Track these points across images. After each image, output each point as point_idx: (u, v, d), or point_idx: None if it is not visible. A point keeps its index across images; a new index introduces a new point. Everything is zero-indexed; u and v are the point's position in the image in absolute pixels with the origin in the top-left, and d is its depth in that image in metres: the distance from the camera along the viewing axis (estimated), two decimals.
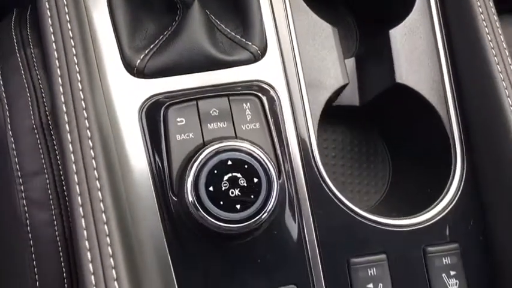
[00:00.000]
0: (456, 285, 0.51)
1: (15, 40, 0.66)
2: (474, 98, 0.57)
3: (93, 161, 0.43)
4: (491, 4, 0.57)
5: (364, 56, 0.66)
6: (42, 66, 0.63)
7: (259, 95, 0.50)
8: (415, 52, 0.59)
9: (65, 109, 0.45)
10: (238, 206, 0.43)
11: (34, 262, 0.58)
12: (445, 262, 0.51)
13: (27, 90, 0.63)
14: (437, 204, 0.54)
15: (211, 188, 0.43)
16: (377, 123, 0.69)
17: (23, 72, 0.64)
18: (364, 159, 0.69)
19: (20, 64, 0.64)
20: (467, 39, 0.57)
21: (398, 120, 0.65)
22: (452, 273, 0.51)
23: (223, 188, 0.43)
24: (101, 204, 0.42)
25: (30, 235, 0.58)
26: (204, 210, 0.42)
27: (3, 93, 0.64)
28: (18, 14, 0.69)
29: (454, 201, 0.54)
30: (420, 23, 0.59)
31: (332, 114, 0.67)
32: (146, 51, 0.50)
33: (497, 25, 0.56)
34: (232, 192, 0.43)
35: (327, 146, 0.70)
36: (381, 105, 0.63)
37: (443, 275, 0.51)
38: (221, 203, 0.42)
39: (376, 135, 0.69)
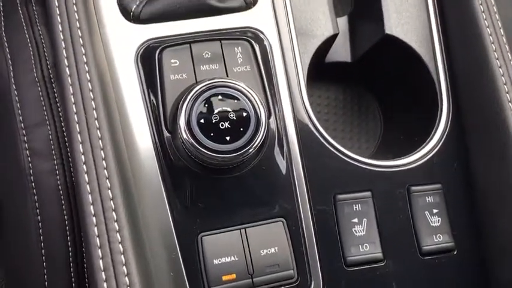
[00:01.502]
0: (438, 222, 0.53)
1: None
2: (461, 49, 0.58)
3: (93, 102, 0.45)
4: None
5: (356, 13, 0.68)
6: (43, 23, 0.65)
7: (251, 40, 0.51)
8: (404, 5, 0.60)
9: (65, 54, 0.47)
10: (228, 138, 0.45)
11: (37, 210, 0.61)
12: (428, 201, 0.53)
13: (30, 45, 0.65)
14: (423, 147, 0.56)
15: (202, 121, 0.45)
16: (368, 77, 0.70)
17: (25, 28, 0.66)
18: (357, 113, 0.71)
19: (23, 20, 0.66)
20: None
21: (388, 72, 0.67)
22: (435, 211, 0.53)
23: (214, 121, 0.45)
24: (100, 142, 0.44)
25: (33, 184, 0.61)
26: (196, 142, 0.44)
27: (7, 49, 0.66)
28: None
29: (439, 145, 0.56)
30: None
31: (325, 72, 0.69)
32: None
33: None
34: (222, 125, 0.45)
35: (321, 102, 0.72)
36: (372, 59, 0.65)
37: (426, 212, 0.53)
38: (212, 134, 0.44)
39: (367, 90, 0.71)
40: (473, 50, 0.56)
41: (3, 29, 0.68)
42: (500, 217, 0.52)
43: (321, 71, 0.66)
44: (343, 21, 0.68)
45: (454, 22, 0.59)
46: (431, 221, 0.53)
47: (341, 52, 0.67)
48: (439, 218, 0.53)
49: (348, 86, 0.72)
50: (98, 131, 0.45)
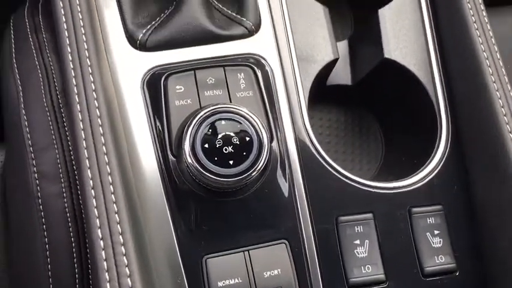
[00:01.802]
0: (440, 243, 0.53)
1: (28, 26, 0.71)
2: (459, 72, 0.60)
3: (100, 128, 0.46)
4: None
5: (356, 37, 0.69)
6: (53, 50, 0.68)
7: (253, 66, 0.53)
8: (403, 30, 0.62)
9: (75, 82, 0.48)
10: (231, 162, 0.46)
11: (45, 232, 0.62)
12: (429, 222, 0.54)
13: (39, 71, 0.67)
14: (423, 169, 0.57)
15: (206, 145, 0.46)
16: (369, 100, 0.72)
17: (35, 55, 0.68)
18: (358, 135, 0.72)
19: (33, 48, 0.69)
20: (453, 18, 0.60)
21: (388, 95, 0.68)
22: (436, 232, 0.54)
23: (218, 145, 0.46)
24: (107, 167, 0.45)
25: (41, 206, 0.62)
26: (200, 166, 0.46)
27: (17, 75, 0.69)
28: (30, 3, 0.74)
29: (439, 167, 0.57)
30: (407, 3, 0.63)
31: (327, 95, 0.70)
32: (148, 27, 0.54)
33: (482, 7, 0.59)
34: (225, 149, 0.46)
35: (322, 124, 0.73)
36: (372, 82, 0.66)
37: (428, 233, 0.53)
38: (215, 158, 0.46)
39: (368, 112, 0.73)
40: (471, 74, 0.58)
41: (14, 55, 0.71)
42: (500, 240, 0.53)
43: (323, 93, 0.67)
44: (343, 45, 0.70)
45: (451, 46, 0.61)
46: (433, 242, 0.53)
47: (342, 75, 0.69)
48: (441, 239, 0.54)
49: (349, 108, 0.73)
50: (106, 156, 0.46)
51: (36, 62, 0.68)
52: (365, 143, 0.72)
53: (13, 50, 0.71)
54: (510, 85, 0.56)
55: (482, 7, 0.60)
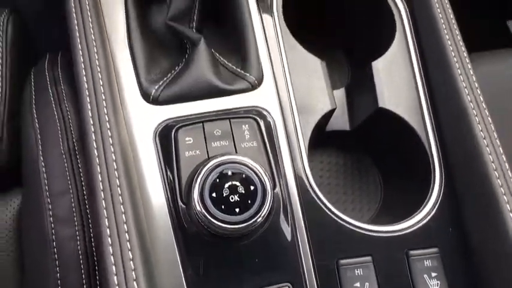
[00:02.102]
0: (437, 285, 0.56)
1: (48, 78, 0.76)
2: (449, 122, 0.64)
3: (117, 180, 0.50)
4: (461, 42, 0.65)
5: (353, 86, 0.74)
6: (70, 100, 0.73)
7: (257, 118, 0.57)
8: (395, 81, 0.67)
9: (94, 137, 0.53)
10: (237, 210, 0.49)
11: (58, 274, 0.65)
12: (426, 264, 0.56)
13: (57, 120, 0.72)
14: (419, 213, 0.60)
15: (214, 195, 0.50)
16: (367, 145, 0.76)
17: (54, 105, 0.74)
18: (357, 178, 0.76)
19: (52, 99, 0.74)
20: (441, 71, 0.65)
21: (384, 141, 0.72)
22: (433, 274, 0.56)
23: (225, 194, 0.50)
24: (123, 216, 0.49)
25: (55, 249, 0.65)
26: (208, 213, 0.49)
27: (37, 124, 0.74)
28: (50, 57, 0.80)
29: (434, 211, 0.60)
30: (399, 56, 0.68)
31: (327, 140, 0.74)
32: (160, 83, 0.59)
33: (467, 61, 0.64)
34: (232, 198, 0.50)
35: (323, 167, 0.77)
36: (369, 128, 0.70)
37: (425, 276, 0.56)
38: (223, 207, 0.49)
39: (366, 156, 0.76)
40: (459, 123, 0.61)
41: (34, 105, 0.76)
42: (497, 283, 0.55)
43: (322, 138, 0.71)
44: (341, 93, 0.74)
45: (439, 93, 0.65)
46: (431, 285, 0.56)
47: (340, 121, 0.73)
48: (438, 282, 0.56)
49: (348, 152, 0.77)
50: (122, 206, 0.50)
51: (55, 112, 0.73)
52: (364, 185, 0.76)
53: (33, 101, 0.76)
54: (494, 125, 0.60)
55: (468, 60, 0.65)
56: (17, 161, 0.79)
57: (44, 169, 0.70)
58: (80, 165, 0.68)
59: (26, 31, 0.88)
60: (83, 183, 0.67)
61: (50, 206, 0.68)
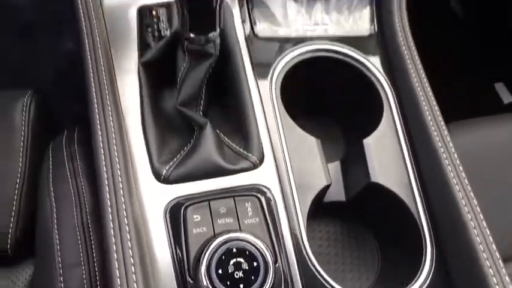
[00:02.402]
0: None
1: (65, 154, 0.82)
2: (436, 195, 0.69)
3: (130, 250, 0.55)
4: (439, 112, 0.72)
5: (347, 159, 0.80)
6: (86, 176, 0.79)
7: (258, 195, 0.63)
8: (385, 157, 0.73)
9: (111, 217, 0.58)
10: (241, 286, 0.53)
11: None
12: None
13: (73, 195, 0.78)
14: (412, 285, 0.63)
15: (220, 271, 0.54)
16: (363, 215, 0.80)
17: (70, 180, 0.79)
18: (355, 247, 0.79)
19: (68, 174, 0.80)
20: (425, 147, 0.71)
21: (378, 212, 0.77)
22: None
23: (230, 271, 0.54)
24: (134, 285, 0.53)
25: None
26: None
27: (53, 197, 0.79)
28: (67, 133, 0.87)
29: (427, 284, 0.63)
30: (387, 134, 0.74)
31: (324, 210, 0.79)
32: (170, 163, 0.65)
33: (446, 133, 0.70)
34: (236, 274, 0.54)
35: (322, 237, 0.81)
36: (363, 200, 0.76)
37: None
38: (228, 283, 0.53)
39: (363, 226, 0.81)
40: (445, 197, 0.67)
41: (51, 179, 0.82)
42: None
43: (320, 209, 0.76)
44: (337, 165, 0.80)
45: (426, 170, 0.71)
46: None
47: (337, 192, 0.78)
48: None
49: (345, 222, 0.82)
50: (134, 275, 0.54)
51: (70, 186, 0.78)
52: (362, 254, 0.79)
53: (50, 175, 0.82)
54: (475, 196, 0.64)
55: (446, 132, 0.71)
56: (31, 231, 0.83)
57: (57, 241, 0.74)
58: (92, 239, 0.73)
59: (46, 108, 0.96)
60: (95, 257, 0.71)
61: (62, 278, 0.71)
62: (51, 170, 0.83)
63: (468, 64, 1.61)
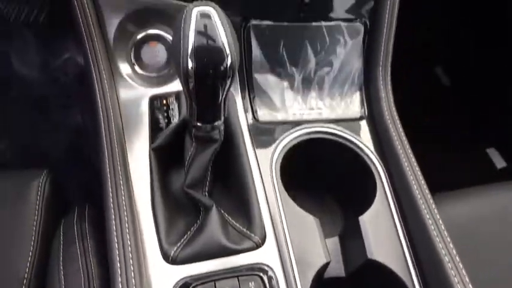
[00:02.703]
0: None
1: (76, 233, 0.87)
2: (429, 269, 0.72)
3: None
4: (425, 186, 0.77)
5: (345, 236, 0.84)
6: (95, 255, 0.82)
7: (261, 274, 0.66)
8: (380, 233, 0.77)
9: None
10: None
11: None
12: None
13: (82, 272, 0.81)
14: None
15: None
16: None
17: (79, 258, 0.83)
18: None
19: (78, 252, 0.83)
20: (415, 221, 0.76)
21: (376, 287, 0.80)
22: None
23: None
24: None
25: None
26: None
27: (62, 276, 0.82)
28: (78, 211, 0.92)
29: None
30: (381, 212, 0.79)
31: (325, 286, 0.82)
32: (178, 244, 0.69)
33: (431, 202, 0.75)
34: None
35: None
36: (361, 276, 0.79)
37: None
38: None
39: None
40: (436, 270, 0.70)
41: (61, 256, 0.85)
42: None
43: (321, 286, 0.79)
44: (335, 241, 0.84)
45: (418, 244, 0.75)
46: None
47: (336, 268, 0.81)
48: None
49: None
50: None
51: (80, 264, 0.82)
52: None
53: (61, 252, 0.85)
54: (465, 269, 0.68)
55: (432, 201, 0.76)
56: None
57: None
58: None
59: (59, 187, 1.01)
60: None
61: None
62: (62, 247, 0.86)
63: (458, 136, 1.68)
